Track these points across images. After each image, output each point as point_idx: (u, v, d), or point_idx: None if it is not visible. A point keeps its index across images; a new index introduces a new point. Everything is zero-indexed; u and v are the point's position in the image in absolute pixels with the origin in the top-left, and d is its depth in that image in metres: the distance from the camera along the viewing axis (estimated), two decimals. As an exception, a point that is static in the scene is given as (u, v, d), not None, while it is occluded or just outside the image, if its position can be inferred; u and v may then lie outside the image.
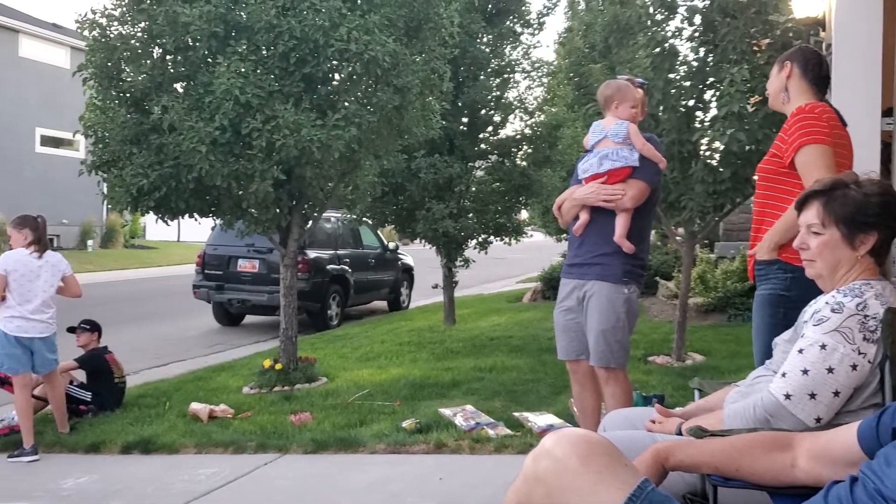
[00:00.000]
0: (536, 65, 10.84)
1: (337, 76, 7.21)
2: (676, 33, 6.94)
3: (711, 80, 6.77)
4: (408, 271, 15.36)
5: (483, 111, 10.56)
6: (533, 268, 19.68)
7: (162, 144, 6.50)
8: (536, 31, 10.85)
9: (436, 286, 11.52)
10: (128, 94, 6.86)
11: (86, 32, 6.78)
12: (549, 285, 13.57)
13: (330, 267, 12.64)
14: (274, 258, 10.41)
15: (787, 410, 2.05)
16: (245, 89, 6.24)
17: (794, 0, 6.66)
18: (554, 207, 4.24)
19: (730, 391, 2.44)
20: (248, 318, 13.28)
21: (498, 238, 11.07)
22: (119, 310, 13.78)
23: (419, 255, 16.03)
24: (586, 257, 4.02)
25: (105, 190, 7.12)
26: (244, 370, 8.22)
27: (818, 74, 3.25)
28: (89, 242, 27.89)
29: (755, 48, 6.58)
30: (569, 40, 9.36)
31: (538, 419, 5.48)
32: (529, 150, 10.77)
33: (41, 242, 5.85)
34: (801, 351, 2.09)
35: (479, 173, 11.25)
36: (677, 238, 8.52)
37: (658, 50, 6.75)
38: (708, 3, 6.74)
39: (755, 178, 3.35)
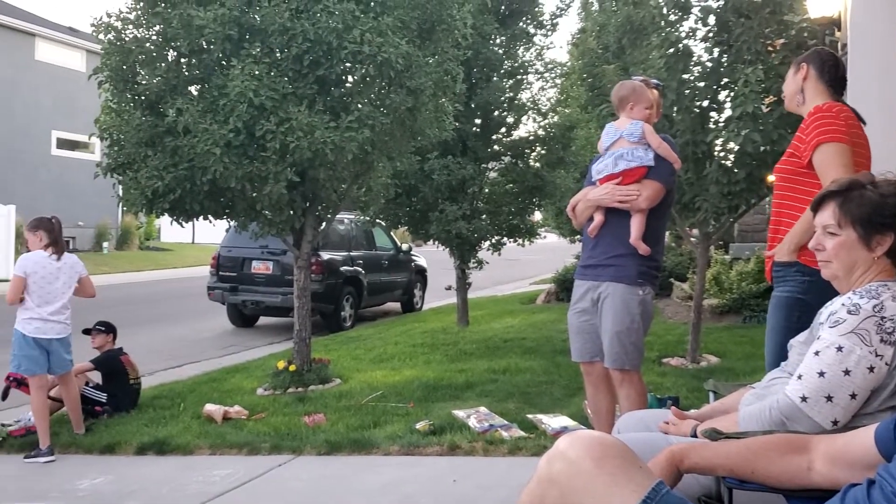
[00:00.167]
0: (550, 66, 10.83)
1: (350, 78, 7.23)
2: (690, 34, 6.92)
3: (726, 80, 6.74)
4: (421, 273, 15.37)
5: (496, 112, 10.55)
6: (546, 269, 19.65)
7: (177, 147, 6.53)
8: (550, 33, 10.84)
9: (449, 288, 11.52)
10: (143, 97, 6.90)
11: (101, 36, 6.82)
12: (563, 287, 13.55)
13: (343, 268, 12.66)
14: (288, 260, 10.44)
15: (803, 413, 2.04)
16: (259, 92, 6.27)
17: (809, 0, 6.63)
18: (568, 209, 4.23)
19: (745, 393, 2.43)
20: (262, 320, 13.33)
21: (511, 239, 11.05)
22: (134, 311, 13.85)
23: (432, 257, 16.04)
24: (601, 259, 4.00)
25: (120, 192, 7.17)
26: (258, 371, 8.24)
27: (834, 76, 3.23)
28: (105, 244, 28.08)
29: (770, 48, 6.54)
30: (582, 41, 9.35)
31: (552, 421, 5.47)
32: (543, 152, 10.75)
33: (58, 244, 5.88)
34: (817, 353, 2.08)
35: (493, 175, 11.25)
36: (692, 239, 8.49)
37: (672, 50, 6.73)
38: (722, 3, 6.71)
39: (771, 178, 3.33)
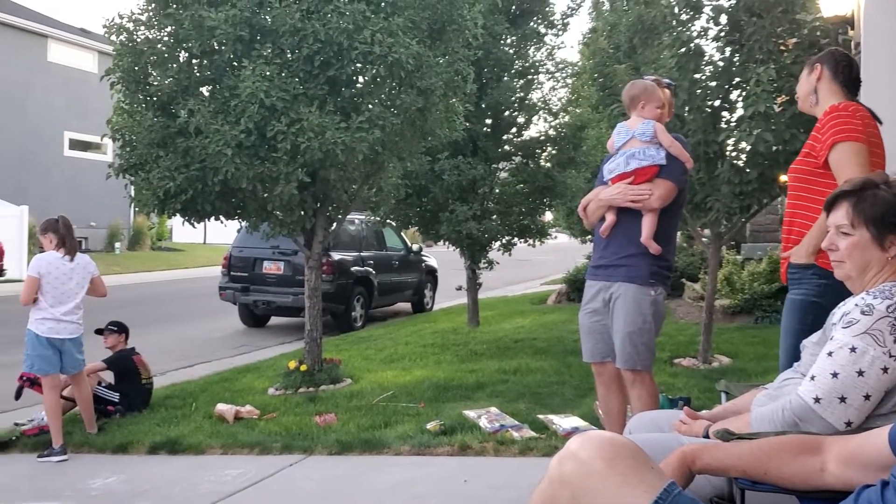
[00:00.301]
0: (560, 66, 10.82)
1: (361, 79, 7.24)
2: (702, 33, 6.89)
3: (737, 80, 6.71)
4: (431, 273, 15.38)
5: (507, 112, 10.54)
6: (557, 269, 19.62)
7: (188, 147, 6.56)
8: (560, 32, 10.82)
9: (460, 288, 11.52)
10: (154, 98, 6.93)
11: (113, 37, 6.85)
12: (574, 287, 13.53)
13: (354, 269, 12.68)
14: (299, 260, 10.46)
15: (816, 414, 2.03)
16: (270, 92, 6.28)
17: (821, -2, 6.60)
18: (579, 209, 4.22)
19: (757, 394, 2.41)
20: (274, 320, 13.36)
21: (522, 240, 11.04)
22: (146, 311, 13.91)
23: (443, 257, 16.04)
24: (612, 259, 3.99)
25: (132, 193, 7.20)
26: (269, 371, 8.27)
27: (848, 77, 3.22)
28: (117, 245, 28.23)
29: (782, 47, 6.51)
30: (593, 41, 9.33)
31: (563, 421, 5.46)
32: (554, 152, 10.73)
33: (66, 244, 5.90)
34: (830, 354, 2.06)
35: (503, 175, 11.24)
36: (703, 239, 8.46)
37: (683, 50, 6.71)
38: (734, 2, 6.68)
39: (783, 178, 3.32)
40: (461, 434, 5.31)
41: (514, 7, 10.51)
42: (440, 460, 5.00)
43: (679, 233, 10.78)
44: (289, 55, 6.76)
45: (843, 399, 2.01)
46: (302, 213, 7.27)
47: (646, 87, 4.07)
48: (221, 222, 7.60)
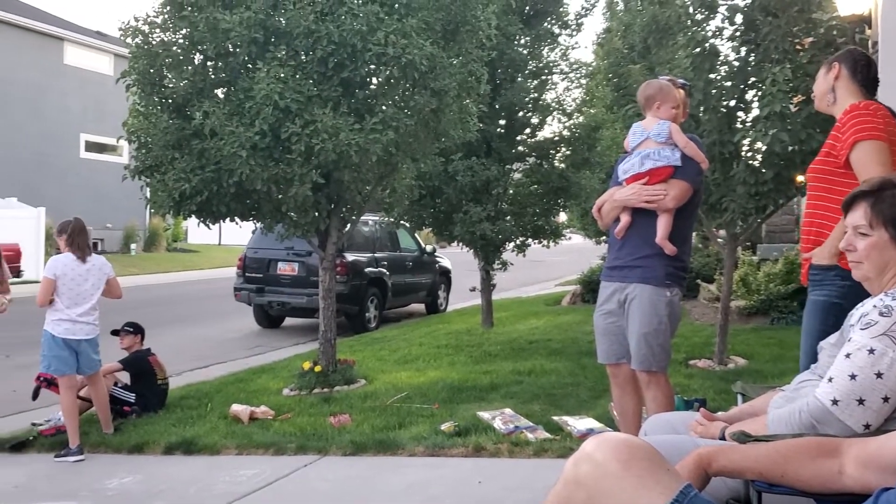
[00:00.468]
0: (575, 66, 10.78)
1: (374, 80, 7.24)
2: (717, 33, 6.86)
3: (753, 79, 6.67)
4: (445, 274, 15.38)
5: (521, 113, 10.52)
6: (572, 270, 19.58)
7: (203, 149, 6.58)
8: (574, 33, 10.78)
9: (473, 289, 11.51)
10: (170, 100, 6.96)
11: (129, 40, 6.89)
12: (589, 288, 13.49)
13: (368, 270, 12.70)
14: (313, 261, 10.49)
15: (834, 416, 2.01)
16: (284, 94, 6.30)
17: (838, -3, 6.55)
18: (594, 209, 4.21)
19: (774, 396, 2.40)
20: (288, 321, 13.40)
21: (536, 241, 11.02)
22: (161, 312, 13.99)
23: (456, 258, 16.04)
24: (627, 260, 3.98)
25: (148, 194, 7.24)
26: (284, 372, 8.29)
27: (867, 76, 3.20)
28: (133, 246, 28.41)
29: (798, 47, 6.47)
30: (607, 41, 9.32)
31: (578, 423, 5.45)
32: (568, 152, 10.70)
33: (75, 244, 5.92)
34: (848, 355, 2.05)
35: (517, 175, 11.21)
36: (719, 240, 8.41)
37: (698, 50, 6.68)
38: (749, 1, 6.65)
39: (800, 178, 3.30)
40: (475, 435, 5.31)
41: (527, 7, 10.49)
42: (454, 461, 5.00)
43: (694, 234, 10.74)
44: (303, 57, 6.77)
45: (861, 401, 1.99)
46: (316, 214, 7.28)
47: (661, 87, 4.05)
48: (236, 224, 7.63)
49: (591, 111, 10.62)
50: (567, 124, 10.76)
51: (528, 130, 10.86)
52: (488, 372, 7.66)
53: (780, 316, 9.97)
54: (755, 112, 6.66)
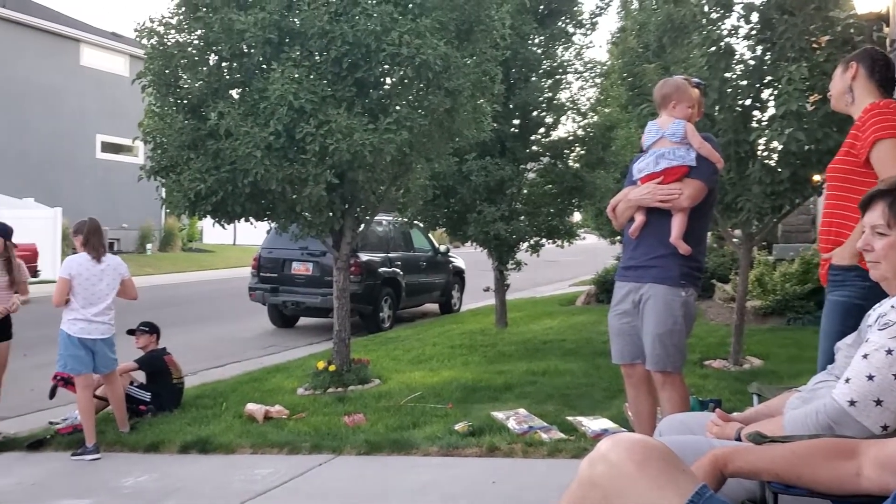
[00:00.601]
0: (589, 65, 10.75)
1: (388, 80, 7.25)
2: (732, 31, 6.82)
3: (769, 78, 6.63)
4: (459, 274, 15.38)
5: (535, 113, 10.50)
6: (586, 271, 19.53)
7: (218, 150, 6.61)
8: (589, 32, 10.75)
9: (487, 289, 11.50)
10: (185, 101, 7.00)
11: (144, 41, 6.93)
12: (603, 288, 13.45)
13: (382, 270, 12.72)
14: (327, 261, 10.51)
15: (851, 417, 1.99)
16: (299, 95, 6.32)
17: (855, -5, 6.49)
18: (608, 209, 4.20)
19: (790, 396, 2.38)
20: (303, 320, 13.44)
21: (550, 241, 11.00)
22: (177, 312, 14.06)
23: (470, 258, 16.03)
24: (642, 260, 3.96)
25: (163, 194, 7.27)
26: (298, 371, 8.31)
27: (885, 76, 3.17)
28: (148, 246, 28.57)
29: (814, 45, 6.42)
30: (622, 40, 9.28)
31: (592, 423, 5.43)
32: (582, 152, 10.67)
33: (89, 244, 5.96)
34: (865, 356, 2.03)
35: (531, 175, 11.19)
36: (734, 240, 8.37)
37: (713, 49, 6.64)
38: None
39: (817, 178, 3.28)
40: (489, 435, 5.30)
41: (542, 7, 10.47)
42: (469, 461, 5.00)
43: (709, 233, 10.70)
44: (317, 57, 6.79)
45: (879, 402, 1.97)
46: (330, 214, 7.30)
47: (678, 86, 4.04)
48: (251, 224, 7.66)
49: (606, 110, 10.59)
50: (581, 124, 10.74)
51: (542, 130, 10.84)
52: (502, 372, 7.66)
53: (797, 316, 9.90)
54: (771, 111, 6.62)
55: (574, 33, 10.68)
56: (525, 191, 10.84)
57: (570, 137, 10.77)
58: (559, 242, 11.02)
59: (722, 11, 6.86)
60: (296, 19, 6.69)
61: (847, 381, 2.04)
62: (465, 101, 7.22)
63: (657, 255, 3.90)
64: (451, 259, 15.10)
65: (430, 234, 14.37)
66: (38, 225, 20.42)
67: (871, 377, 1.99)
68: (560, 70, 10.61)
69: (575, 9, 10.61)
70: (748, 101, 6.81)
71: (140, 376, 6.90)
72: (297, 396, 7.18)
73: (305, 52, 6.67)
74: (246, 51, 6.79)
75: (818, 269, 3.53)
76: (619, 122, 10.17)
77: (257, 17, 6.45)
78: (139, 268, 20.66)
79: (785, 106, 5.94)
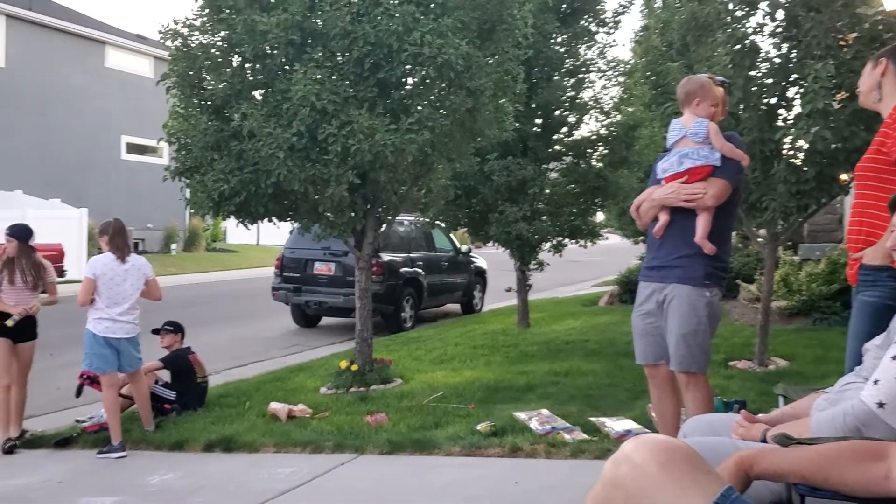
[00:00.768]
0: (612, 64, 10.68)
1: (410, 80, 7.26)
2: (757, 29, 6.75)
3: (795, 76, 6.56)
4: (480, 274, 15.36)
5: (557, 112, 10.46)
6: (609, 271, 19.43)
7: (242, 151, 6.65)
8: (612, 30, 10.68)
9: (509, 289, 11.48)
10: (209, 102, 7.05)
11: (168, 42, 6.98)
12: (627, 288, 13.38)
13: (403, 270, 12.74)
14: (349, 261, 10.53)
15: (879, 419, 1.97)
16: (321, 95, 6.34)
17: (883, -9, 6.40)
18: (632, 209, 4.17)
19: (817, 398, 2.36)
20: (325, 320, 13.49)
21: (573, 241, 10.95)
22: (201, 311, 14.16)
23: (492, 258, 16.01)
24: (666, 260, 3.94)
25: (188, 195, 7.33)
26: (321, 371, 8.34)
27: None
28: (173, 246, 28.81)
29: (841, 43, 6.34)
30: (645, 38, 9.22)
31: (615, 424, 5.40)
32: (605, 151, 10.61)
33: (113, 244, 6.02)
34: (894, 358, 2.00)
35: (554, 175, 11.15)
36: (759, 240, 8.29)
37: (738, 47, 6.58)
38: (791, -3, 6.53)
39: (844, 177, 3.23)
40: (512, 436, 5.30)
41: (564, 5, 10.42)
42: (491, 462, 4.99)
43: (734, 233, 10.60)
44: (339, 58, 6.81)
45: (908, 404, 1.94)
46: (352, 214, 7.32)
47: (702, 84, 4.00)
48: (274, 224, 7.70)
49: (629, 109, 10.52)
50: (604, 123, 10.68)
51: (564, 129, 10.79)
52: (524, 372, 7.64)
53: (823, 317, 9.79)
54: (797, 109, 6.55)
55: (597, 32, 10.62)
56: (547, 190, 10.80)
57: (593, 136, 10.72)
58: (582, 242, 10.98)
59: (747, 9, 6.80)
60: (318, 20, 6.71)
61: (875, 382, 2.01)
62: (487, 101, 7.21)
63: (681, 255, 3.87)
64: (472, 259, 15.09)
65: (451, 235, 14.37)
66: (64, 225, 20.66)
67: (900, 379, 1.96)
68: (583, 69, 10.55)
69: (598, 7, 10.55)
70: (773, 100, 6.74)
71: (165, 375, 6.96)
72: (320, 396, 7.21)
73: (328, 53, 6.69)
74: (269, 52, 6.82)
75: (845, 269, 3.48)
76: (642, 121, 10.10)
77: (280, 19, 6.48)
78: (164, 268, 20.83)
79: (811, 104, 5.87)
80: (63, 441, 6.06)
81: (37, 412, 6.91)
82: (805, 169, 6.52)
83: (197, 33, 6.99)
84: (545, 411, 5.84)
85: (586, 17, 10.55)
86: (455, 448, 5.20)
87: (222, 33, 6.90)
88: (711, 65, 6.63)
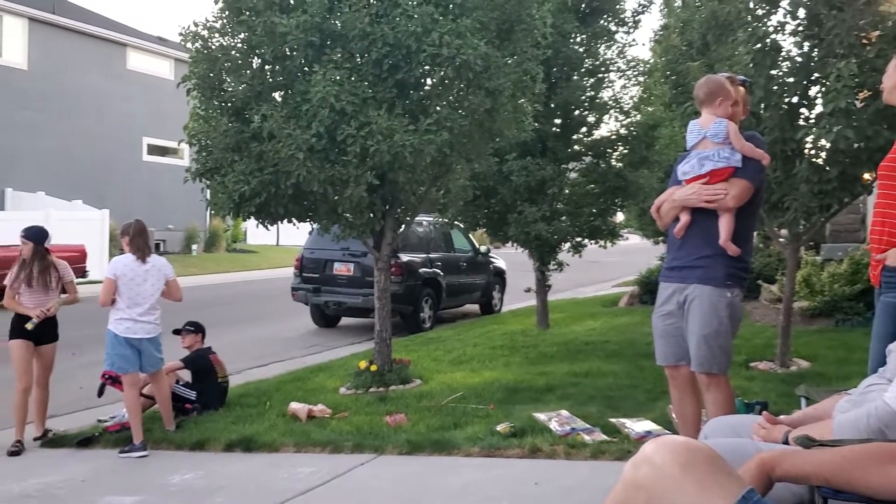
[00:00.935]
0: (632, 64, 10.63)
1: (429, 81, 7.26)
2: (779, 28, 6.70)
3: (816, 75, 6.50)
4: (500, 275, 15.34)
5: (577, 112, 10.42)
6: (628, 271, 19.35)
7: (262, 152, 6.69)
8: (631, 30, 10.63)
9: (529, 290, 11.45)
10: (229, 104, 7.09)
11: (189, 45, 7.04)
12: (647, 289, 13.32)
13: (422, 270, 12.75)
14: (368, 262, 10.56)
15: (904, 421, 1.95)
16: (340, 97, 6.36)
17: (907, -11, 6.34)
18: (652, 209, 4.15)
19: (839, 399, 2.34)
20: (344, 320, 13.53)
21: (592, 241, 10.91)
22: (221, 312, 14.25)
23: (511, 259, 15.99)
24: (687, 260, 3.92)
25: (208, 196, 7.38)
26: (341, 371, 8.37)
27: None
28: (193, 247, 29.01)
29: (864, 41, 6.27)
30: (665, 38, 9.17)
31: (636, 425, 5.38)
32: (625, 151, 10.57)
33: (134, 244, 6.06)
34: (918, 358, 1.98)
35: (573, 175, 11.11)
36: (780, 240, 8.22)
37: (759, 46, 6.52)
38: (812, -5, 6.48)
39: (867, 176, 3.20)
40: (531, 436, 5.28)
41: (583, 5, 10.38)
42: (510, 462, 4.98)
43: (755, 233, 10.51)
44: (358, 59, 6.83)
45: (933, 406, 1.92)
46: (371, 215, 7.34)
47: (722, 84, 3.97)
48: (294, 225, 7.73)
49: (649, 109, 10.47)
50: (624, 123, 10.63)
51: (584, 129, 10.75)
52: (544, 373, 7.62)
53: (845, 318, 9.69)
54: (819, 108, 6.49)
55: (616, 31, 10.58)
56: (567, 191, 10.76)
57: (613, 136, 10.67)
58: (602, 243, 10.94)
59: (768, 7, 6.75)
60: (337, 21, 6.74)
61: (899, 384, 1.99)
62: (506, 101, 7.20)
63: (702, 256, 3.85)
64: (491, 259, 15.08)
65: (470, 235, 14.37)
66: (86, 226, 20.87)
67: (924, 380, 1.94)
68: (602, 68, 10.51)
69: (617, 7, 10.50)
70: (795, 99, 6.69)
71: (186, 375, 7.01)
72: (340, 396, 7.23)
73: (346, 54, 6.71)
74: (288, 53, 6.86)
75: (868, 270, 3.45)
76: (662, 120, 10.04)
77: (299, 20, 6.51)
78: (184, 268, 20.96)
79: (833, 103, 5.82)
80: (85, 440, 6.12)
81: (59, 412, 6.98)
82: (827, 168, 6.45)
83: (217, 35, 7.03)
84: (565, 412, 5.82)
85: (605, 16, 10.50)
86: (474, 449, 5.20)
87: (242, 35, 6.94)
88: (732, 64, 6.58)
